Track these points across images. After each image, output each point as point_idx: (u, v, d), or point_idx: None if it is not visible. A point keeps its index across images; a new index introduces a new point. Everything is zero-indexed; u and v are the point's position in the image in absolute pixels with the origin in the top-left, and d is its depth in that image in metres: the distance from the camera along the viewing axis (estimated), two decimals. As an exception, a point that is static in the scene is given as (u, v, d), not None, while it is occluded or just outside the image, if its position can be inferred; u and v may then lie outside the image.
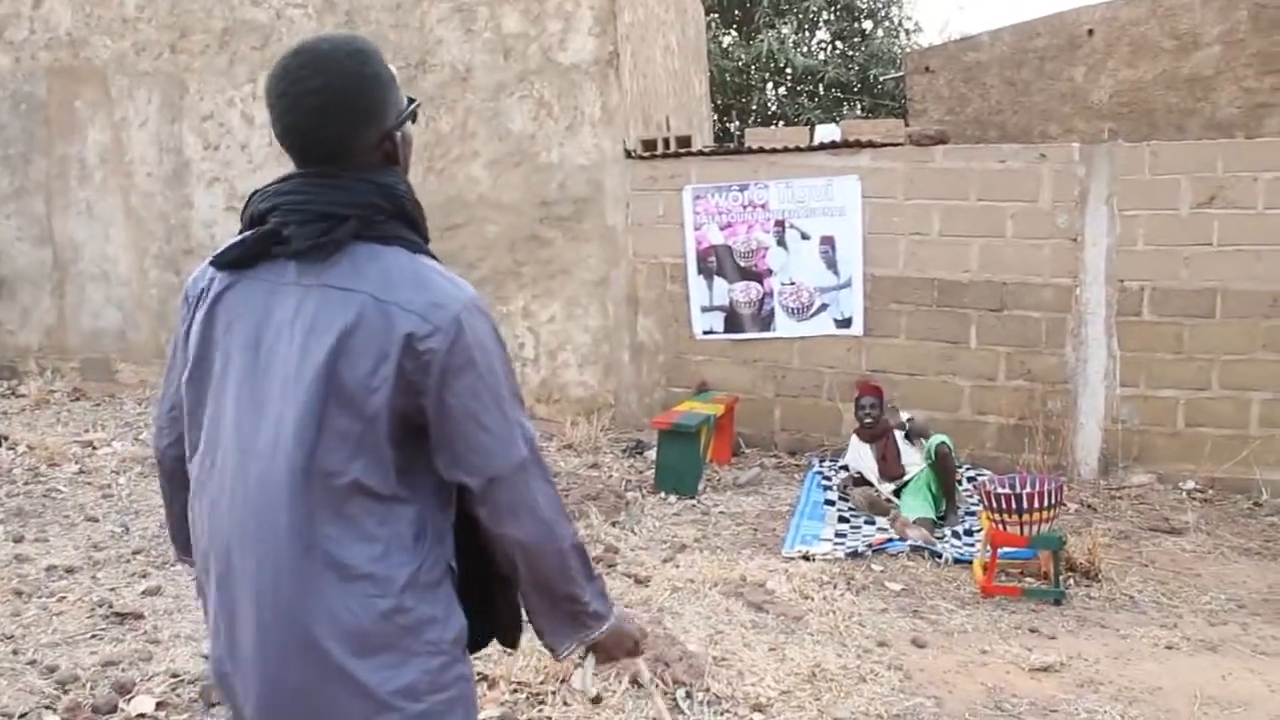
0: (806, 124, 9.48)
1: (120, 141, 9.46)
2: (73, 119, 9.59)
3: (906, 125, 8.19)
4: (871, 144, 7.73)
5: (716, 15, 17.52)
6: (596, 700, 3.77)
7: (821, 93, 17.74)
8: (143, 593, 4.76)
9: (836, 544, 5.88)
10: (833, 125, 7.93)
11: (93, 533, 5.58)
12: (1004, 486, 5.37)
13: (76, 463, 6.92)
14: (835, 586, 5.16)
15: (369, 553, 1.66)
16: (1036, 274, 7.38)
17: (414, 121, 1.81)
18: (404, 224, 1.77)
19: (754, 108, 17.72)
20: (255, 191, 1.78)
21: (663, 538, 5.95)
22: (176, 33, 9.19)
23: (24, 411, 8.68)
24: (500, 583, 1.89)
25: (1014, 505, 5.19)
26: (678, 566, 5.38)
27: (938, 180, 7.55)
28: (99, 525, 5.72)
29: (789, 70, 17.46)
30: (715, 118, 16.72)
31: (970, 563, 5.60)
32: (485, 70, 8.46)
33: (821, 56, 18.76)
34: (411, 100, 1.83)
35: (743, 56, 17.07)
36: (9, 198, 9.82)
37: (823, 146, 7.88)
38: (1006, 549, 5.33)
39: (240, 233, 1.80)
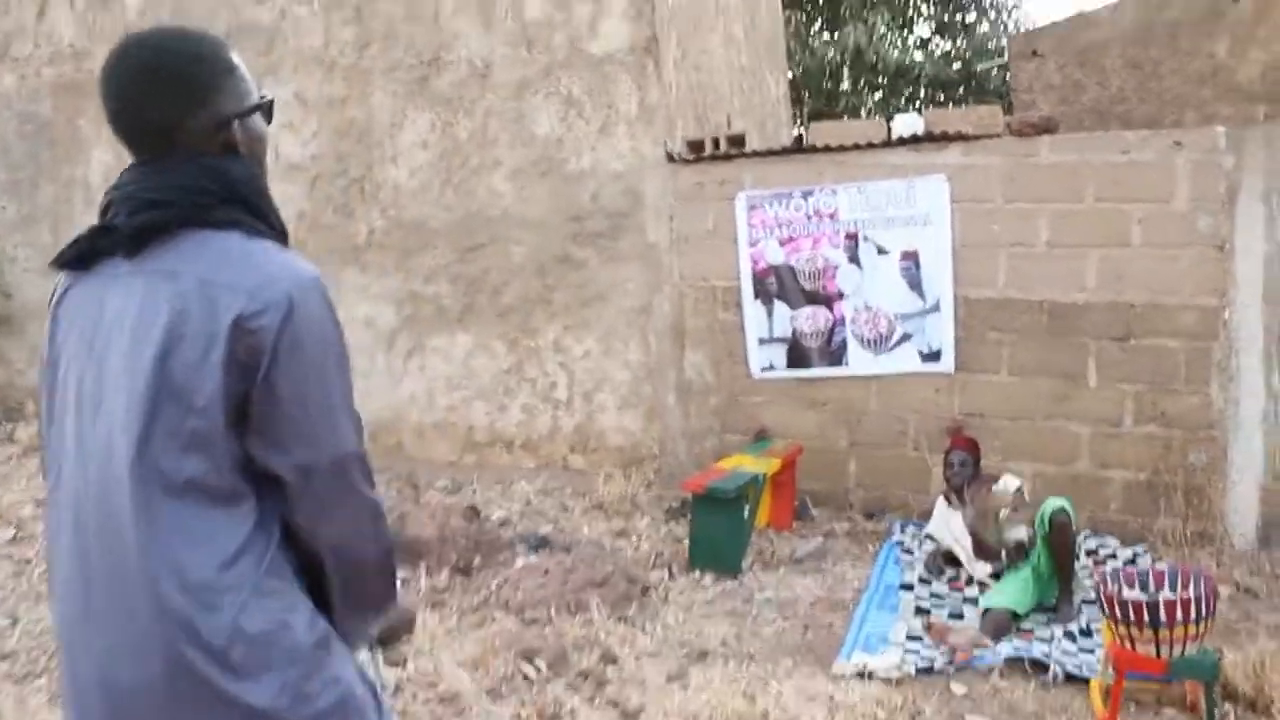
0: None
1: (123, 160, 8.55)
2: (77, 138, 8.81)
3: (1007, 114, 6.75)
4: (962, 136, 6.31)
5: (809, 8, 16.05)
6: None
7: (922, 92, 16.11)
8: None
9: (908, 652, 4.49)
10: (914, 115, 6.53)
11: (-28, 628, 4.54)
12: (1133, 587, 3.91)
13: (16, 527, 5.96)
14: (895, 727, 3.78)
15: (211, 559, 1.52)
16: (1172, 292, 5.86)
17: (269, 120, 1.78)
18: (242, 209, 1.64)
19: (844, 111, 16.18)
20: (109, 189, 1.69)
21: (683, 638, 4.64)
22: (177, 38, 8.29)
23: (9, 460, 7.83)
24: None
25: (1147, 617, 3.72)
26: (686, 688, 4.06)
27: (1045, 178, 6.11)
28: (-14, 617, 4.68)
29: (880, 68, 15.91)
30: (801, 122, 15.29)
31: (1088, 680, 4.18)
32: (506, 65, 7.30)
33: (919, 55, 17.13)
34: (264, 96, 1.76)
35: (828, 52, 15.57)
36: (16, 227, 9.11)
37: (902, 141, 6.47)
38: (1136, 673, 3.89)
39: None
